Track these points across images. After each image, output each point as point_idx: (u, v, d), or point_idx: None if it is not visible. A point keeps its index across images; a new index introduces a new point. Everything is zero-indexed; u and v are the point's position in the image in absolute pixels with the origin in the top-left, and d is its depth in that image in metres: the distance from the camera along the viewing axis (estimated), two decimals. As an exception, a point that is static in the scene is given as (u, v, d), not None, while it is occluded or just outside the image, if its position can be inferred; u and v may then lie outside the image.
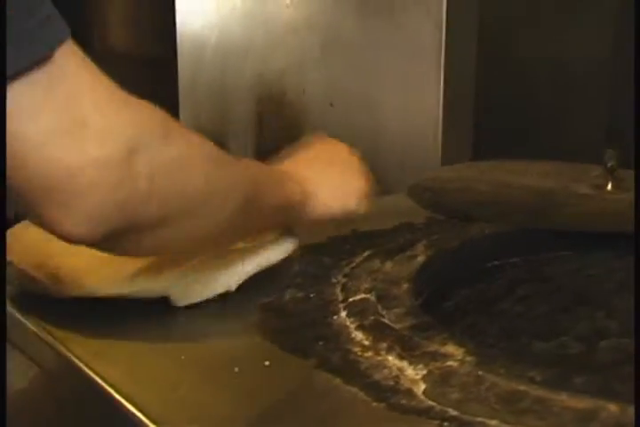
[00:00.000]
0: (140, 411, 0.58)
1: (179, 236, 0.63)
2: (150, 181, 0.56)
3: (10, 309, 0.75)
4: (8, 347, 0.86)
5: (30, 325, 0.74)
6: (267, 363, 0.64)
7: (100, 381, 0.63)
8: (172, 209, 0.60)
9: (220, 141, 1.73)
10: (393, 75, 1.27)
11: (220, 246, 0.75)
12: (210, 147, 0.66)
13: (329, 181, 0.83)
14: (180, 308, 0.74)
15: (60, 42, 0.53)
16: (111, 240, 0.57)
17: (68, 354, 0.68)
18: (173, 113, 1.95)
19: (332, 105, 1.40)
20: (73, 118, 0.53)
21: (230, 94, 1.67)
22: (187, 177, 0.61)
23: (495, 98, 1.26)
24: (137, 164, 0.55)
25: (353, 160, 0.88)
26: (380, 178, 1.32)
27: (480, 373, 0.60)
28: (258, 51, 1.56)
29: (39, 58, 0.51)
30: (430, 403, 0.57)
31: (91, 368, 0.65)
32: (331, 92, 1.40)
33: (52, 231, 0.56)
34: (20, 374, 0.85)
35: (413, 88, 1.24)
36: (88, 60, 0.56)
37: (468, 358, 0.63)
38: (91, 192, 0.54)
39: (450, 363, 0.62)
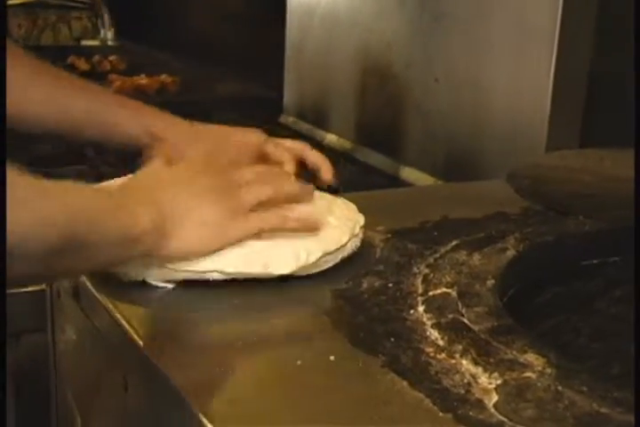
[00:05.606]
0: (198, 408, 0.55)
1: None
2: None
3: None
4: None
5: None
6: (332, 358, 0.60)
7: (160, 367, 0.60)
8: None
9: (322, 112, 1.71)
10: (503, 52, 1.21)
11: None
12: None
13: (193, 204, 0.69)
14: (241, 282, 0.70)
15: None
16: None
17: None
18: (278, 76, 1.90)
19: (436, 81, 1.35)
20: None
21: (335, 64, 1.64)
22: None
23: (611, 80, 1.18)
24: None
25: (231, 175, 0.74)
26: (481, 161, 1.27)
27: (560, 388, 0.55)
28: (365, 22, 1.52)
29: None
30: (501, 418, 0.52)
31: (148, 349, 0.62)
32: (436, 67, 1.34)
33: None
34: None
35: (523, 67, 1.17)
36: None
37: (549, 370, 0.57)
38: None
39: (528, 374, 0.57)
